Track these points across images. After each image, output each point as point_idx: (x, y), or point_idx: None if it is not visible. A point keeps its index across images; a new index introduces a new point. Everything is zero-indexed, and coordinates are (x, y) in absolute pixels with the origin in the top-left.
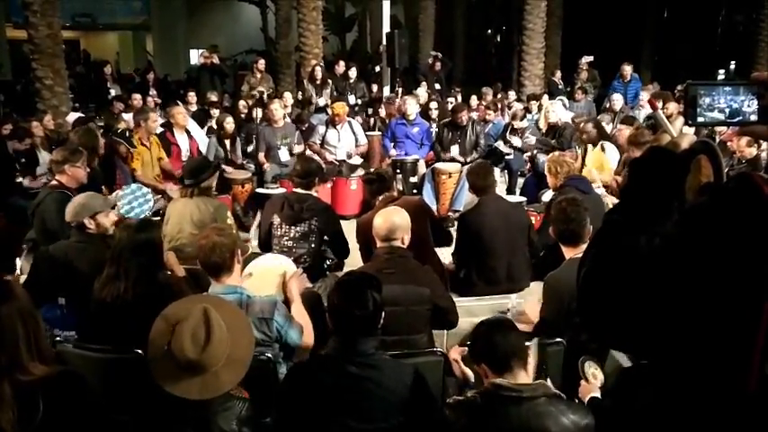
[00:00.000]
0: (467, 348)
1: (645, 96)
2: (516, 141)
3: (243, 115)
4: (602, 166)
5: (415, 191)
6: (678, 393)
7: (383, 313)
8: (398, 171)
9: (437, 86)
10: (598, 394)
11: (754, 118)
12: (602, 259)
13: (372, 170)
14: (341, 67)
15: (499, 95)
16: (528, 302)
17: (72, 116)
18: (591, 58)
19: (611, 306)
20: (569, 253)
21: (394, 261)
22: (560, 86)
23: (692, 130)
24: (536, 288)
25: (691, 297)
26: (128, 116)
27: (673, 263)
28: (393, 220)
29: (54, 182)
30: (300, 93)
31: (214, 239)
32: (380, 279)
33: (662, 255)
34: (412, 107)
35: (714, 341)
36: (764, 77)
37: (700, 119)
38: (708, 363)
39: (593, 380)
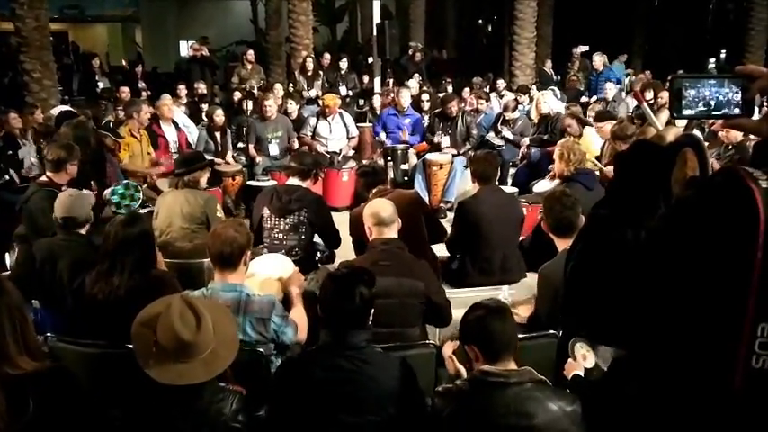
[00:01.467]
0: (458, 343)
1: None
2: (507, 134)
3: (236, 106)
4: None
5: (405, 178)
6: (663, 388)
7: (372, 308)
8: (389, 159)
9: (417, 77)
10: (581, 372)
11: (738, 111)
12: (589, 253)
13: (366, 163)
14: (329, 58)
15: (482, 84)
16: (522, 297)
17: (56, 110)
18: (586, 48)
19: (597, 300)
20: (562, 245)
21: (390, 253)
22: (551, 76)
23: (684, 122)
24: (531, 281)
25: (676, 291)
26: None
27: (658, 257)
28: (385, 206)
29: (43, 178)
30: (291, 84)
31: (230, 233)
32: (376, 271)
33: (648, 249)
34: (406, 99)
35: (699, 337)
36: (749, 70)
37: (685, 111)
38: (693, 359)
39: (582, 360)
